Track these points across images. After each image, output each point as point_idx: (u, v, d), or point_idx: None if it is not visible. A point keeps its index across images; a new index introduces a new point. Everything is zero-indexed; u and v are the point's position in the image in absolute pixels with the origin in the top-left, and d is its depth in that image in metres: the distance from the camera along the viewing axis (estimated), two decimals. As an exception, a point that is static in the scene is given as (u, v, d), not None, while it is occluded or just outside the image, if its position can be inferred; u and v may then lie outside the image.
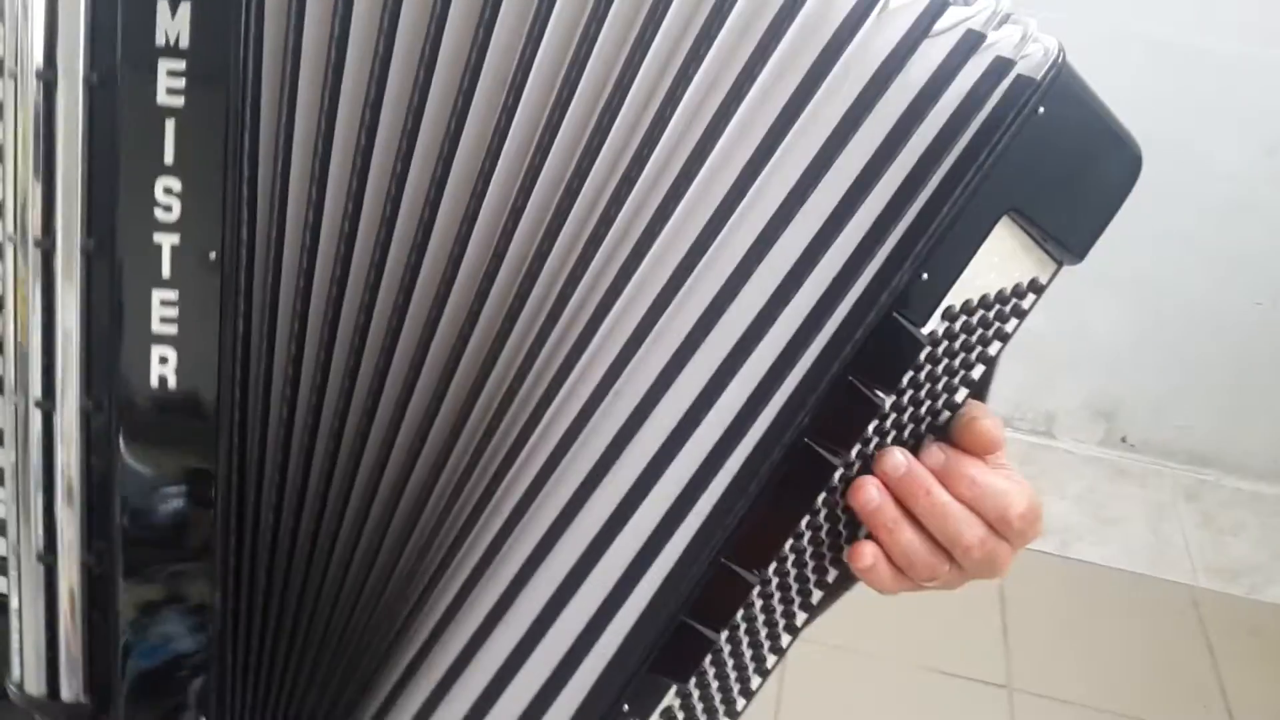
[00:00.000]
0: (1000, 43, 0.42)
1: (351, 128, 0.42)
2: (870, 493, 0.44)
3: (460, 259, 0.44)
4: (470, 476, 0.46)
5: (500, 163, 0.43)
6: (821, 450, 0.45)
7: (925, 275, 0.43)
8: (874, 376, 0.44)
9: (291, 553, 0.47)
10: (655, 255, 0.43)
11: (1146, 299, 2.01)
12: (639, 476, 0.45)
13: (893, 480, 0.45)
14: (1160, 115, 1.85)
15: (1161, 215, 1.90)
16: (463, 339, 0.45)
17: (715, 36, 0.41)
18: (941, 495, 0.44)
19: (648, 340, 0.44)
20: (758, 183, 0.42)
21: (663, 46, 0.42)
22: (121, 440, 0.41)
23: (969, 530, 0.44)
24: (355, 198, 0.43)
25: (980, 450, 0.46)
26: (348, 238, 0.43)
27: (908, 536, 0.45)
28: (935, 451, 0.46)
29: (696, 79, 0.42)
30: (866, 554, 0.45)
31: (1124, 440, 2.14)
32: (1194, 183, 1.88)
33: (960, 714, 1.56)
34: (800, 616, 0.49)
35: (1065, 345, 2.05)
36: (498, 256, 0.44)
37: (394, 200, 0.43)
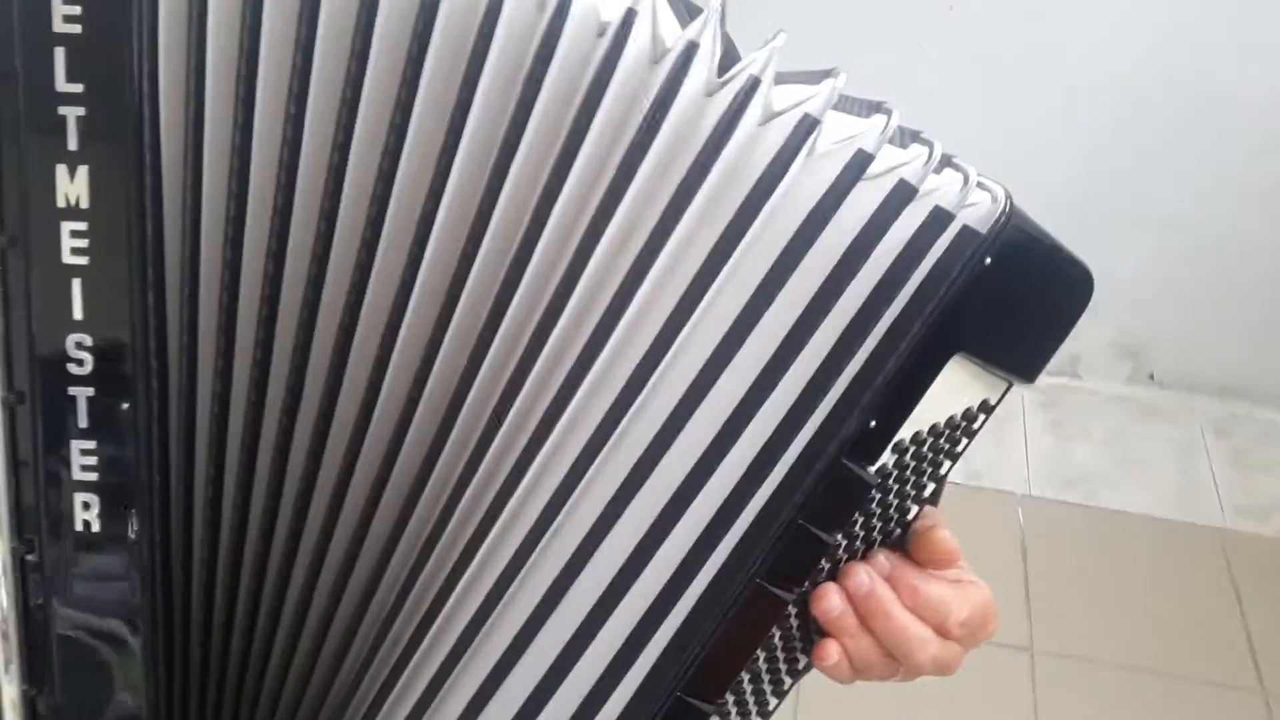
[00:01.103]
0: (939, 191, 0.43)
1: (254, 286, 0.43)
2: (833, 600, 0.47)
3: (374, 403, 0.45)
4: (399, 613, 0.48)
5: (411, 305, 0.43)
6: (775, 589, 0.46)
7: (873, 423, 0.44)
8: (824, 519, 0.45)
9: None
10: (575, 411, 0.43)
11: (1171, 233, 1.98)
12: (578, 629, 0.46)
13: (856, 597, 0.47)
14: (1183, 49, 1.80)
15: (1186, 149, 1.87)
16: (380, 481, 0.46)
17: (631, 181, 0.41)
18: (901, 618, 0.47)
19: (575, 492, 0.44)
20: (682, 336, 0.42)
21: (574, 192, 0.42)
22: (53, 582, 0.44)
23: (921, 650, 0.47)
24: (261, 363, 0.44)
25: (938, 561, 0.48)
26: (257, 392, 0.45)
27: (866, 645, 0.47)
28: (881, 560, 0.48)
29: (611, 229, 0.42)
30: (832, 653, 0.47)
31: (1151, 378, 2.13)
32: (1218, 116, 1.84)
33: (979, 682, 1.58)
34: (772, 703, 0.52)
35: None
36: (412, 401, 0.45)
37: (303, 349, 0.44)
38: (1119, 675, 1.59)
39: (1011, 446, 2.01)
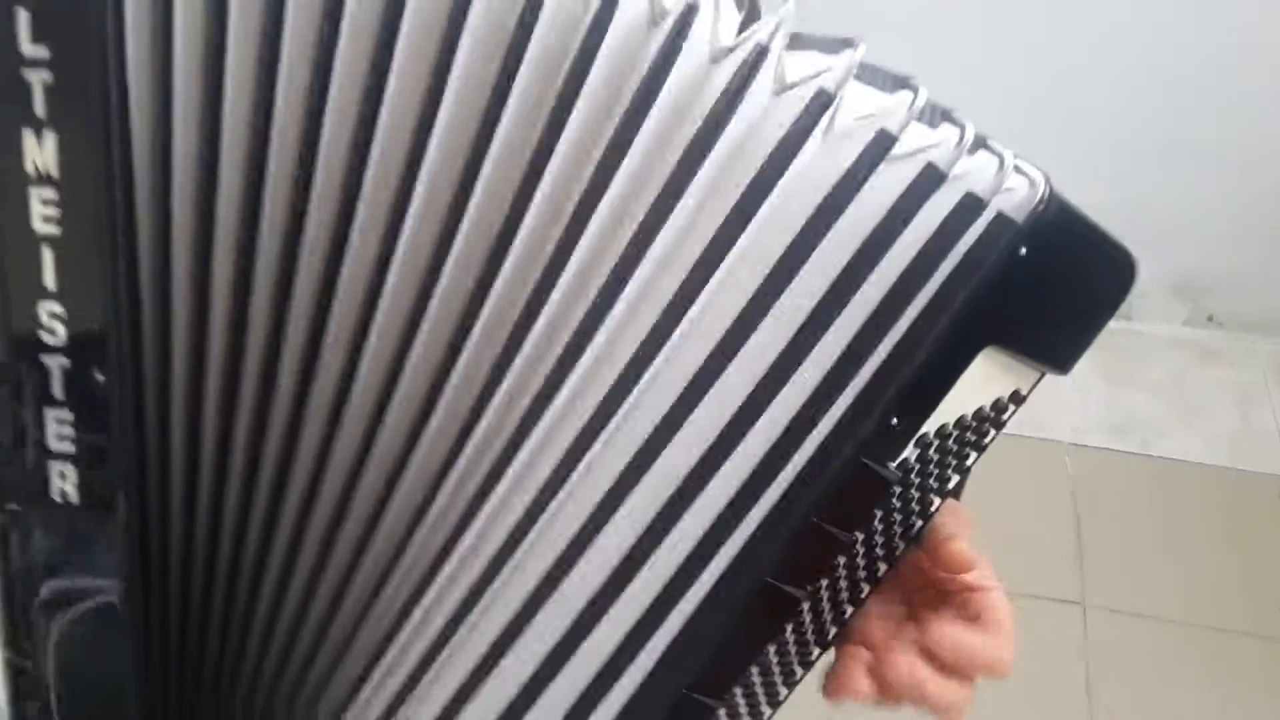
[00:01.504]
0: (972, 175, 0.41)
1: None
2: (860, 685, 0.47)
3: (354, 374, 0.43)
4: (385, 587, 0.46)
5: (392, 279, 0.41)
6: (787, 588, 0.45)
7: (896, 420, 0.43)
8: (841, 517, 0.44)
9: None
10: (570, 395, 0.42)
11: (1230, 166, 1.90)
12: (577, 618, 0.45)
13: (891, 683, 0.47)
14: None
15: (1241, 78, 1.77)
16: (362, 453, 0.45)
17: (624, 157, 0.39)
18: (933, 693, 0.47)
19: (574, 477, 0.43)
20: (684, 325, 0.40)
21: (563, 168, 0.39)
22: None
23: (943, 703, 0.47)
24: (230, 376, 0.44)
25: (952, 570, 0.47)
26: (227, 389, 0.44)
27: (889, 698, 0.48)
28: (933, 625, 0.48)
29: (603, 207, 0.39)
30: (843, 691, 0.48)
31: (1211, 319, 2.06)
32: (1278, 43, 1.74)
33: (1027, 635, 1.54)
34: (782, 693, 0.51)
35: (1143, 220, 1.94)
36: (393, 376, 0.43)
37: (279, 314, 0.43)
38: (1173, 630, 1.55)
39: (1061, 392, 1.95)
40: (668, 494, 0.43)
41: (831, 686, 0.48)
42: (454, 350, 0.42)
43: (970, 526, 0.49)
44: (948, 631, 0.47)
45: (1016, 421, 1.86)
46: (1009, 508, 1.73)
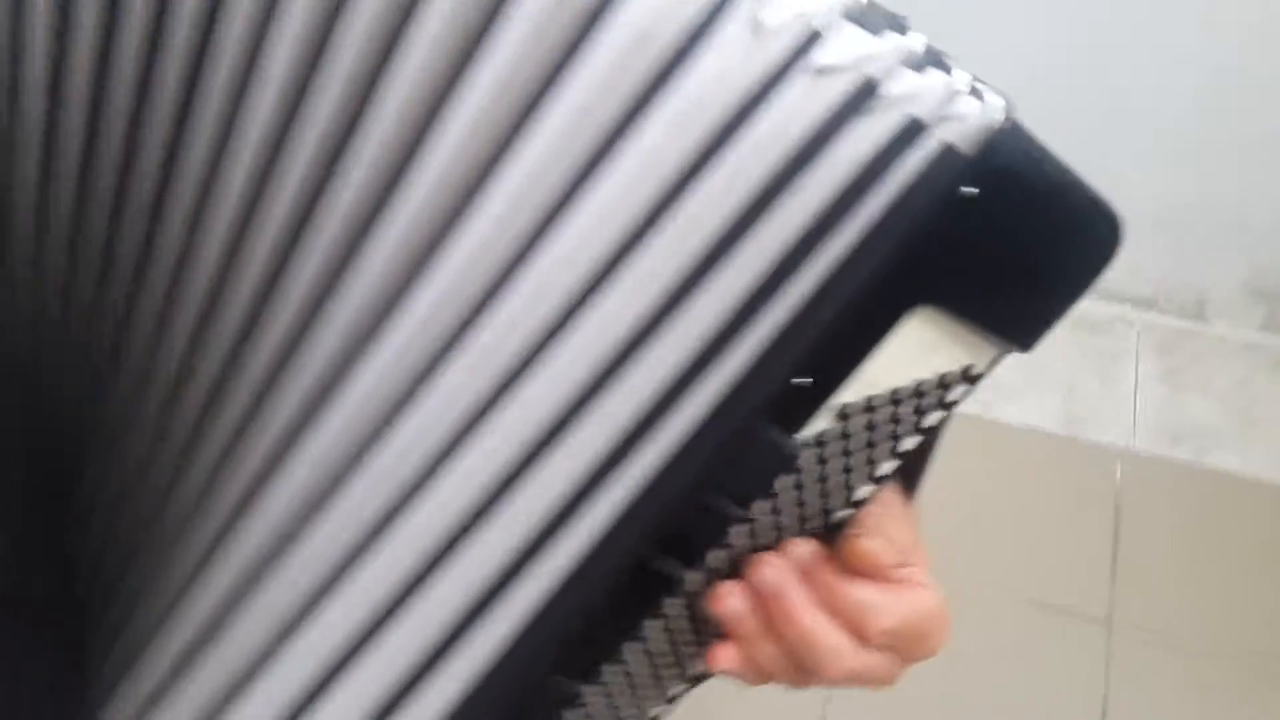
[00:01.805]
0: (916, 96, 0.35)
1: None
2: (733, 602, 0.42)
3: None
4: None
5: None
6: (663, 567, 0.41)
7: (804, 380, 0.38)
8: (731, 488, 0.40)
9: None
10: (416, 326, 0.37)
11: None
12: (410, 583, 0.40)
13: (760, 596, 0.42)
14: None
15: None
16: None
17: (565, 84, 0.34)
18: (810, 624, 0.41)
19: (406, 409, 0.38)
20: (546, 249, 0.36)
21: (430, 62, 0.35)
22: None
23: (833, 662, 0.42)
24: None
25: (859, 570, 0.42)
26: None
27: (769, 651, 0.42)
28: (799, 549, 0.42)
29: (481, 98, 0.35)
30: (725, 658, 0.42)
31: (1290, 325, 1.92)
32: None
33: (1047, 652, 1.47)
34: (656, 710, 0.47)
35: (1221, 213, 1.84)
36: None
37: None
38: (1204, 659, 1.46)
39: (1118, 393, 1.85)
40: (525, 439, 0.38)
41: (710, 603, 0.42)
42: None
43: (907, 528, 0.44)
44: (841, 579, 0.42)
45: (1067, 419, 1.78)
46: (1046, 511, 1.65)
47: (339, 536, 0.39)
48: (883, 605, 0.41)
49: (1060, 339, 2.22)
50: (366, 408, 0.38)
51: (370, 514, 0.39)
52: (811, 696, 0.44)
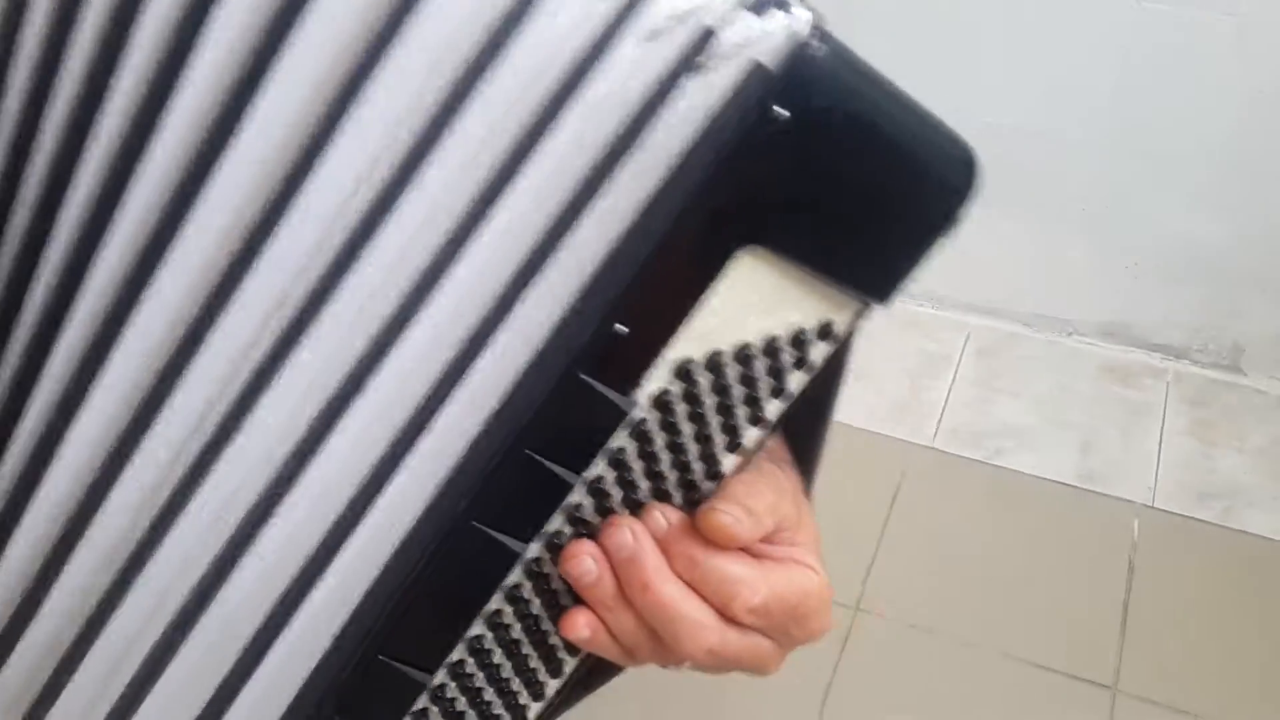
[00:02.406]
0: (710, 6, 0.33)
1: None
2: (586, 565, 0.40)
3: None
4: None
5: None
6: (497, 535, 0.39)
7: (621, 329, 0.36)
8: (561, 450, 0.38)
9: None
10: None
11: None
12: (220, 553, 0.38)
13: (615, 560, 0.40)
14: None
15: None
16: None
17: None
18: (667, 593, 0.40)
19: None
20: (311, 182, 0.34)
21: None
22: None
23: (693, 636, 0.40)
24: None
25: (717, 542, 0.40)
26: None
27: (627, 623, 0.40)
28: (657, 517, 0.40)
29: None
30: (580, 624, 0.41)
31: (1334, 383, 1.83)
32: None
33: (1042, 715, 1.38)
34: (533, 709, 0.44)
35: (1260, 259, 1.76)
36: None
37: None
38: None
39: (1142, 445, 1.76)
40: (318, 401, 0.36)
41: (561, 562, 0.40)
42: None
43: (789, 504, 0.41)
44: (705, 550, 0.40)
45: (1085, 472, 1.70)
46: (1054, 566, 1.57)
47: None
48: (750, 580, 0.39)
49: (1082, 385, 2.13)
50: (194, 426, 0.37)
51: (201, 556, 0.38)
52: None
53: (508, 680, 0.43)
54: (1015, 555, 1.59)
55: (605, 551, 0.39)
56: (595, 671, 0.44)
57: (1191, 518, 1.65)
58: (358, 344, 0.35)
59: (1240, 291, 1.82)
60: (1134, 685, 1.43)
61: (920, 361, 1.93)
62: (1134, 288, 1.88)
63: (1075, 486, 1.70)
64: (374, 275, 0.35)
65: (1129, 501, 1.68)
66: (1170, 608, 1.53)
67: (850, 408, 1.89)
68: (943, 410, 1.83)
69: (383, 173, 0.34)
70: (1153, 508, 1.67)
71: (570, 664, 0.43)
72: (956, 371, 1.91)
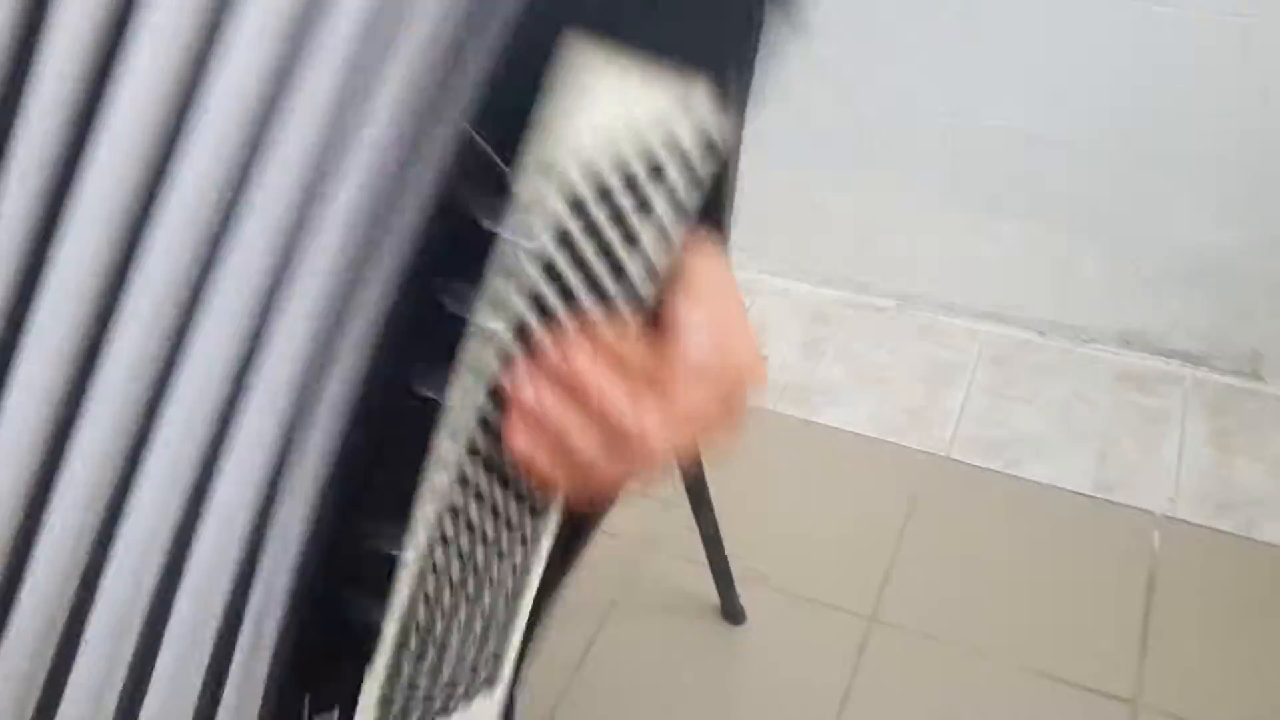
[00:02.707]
0: None
1: None
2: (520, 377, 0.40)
3: None
4: None
5: None
6: (415, 386, 0.38)
7: (477, 134, 0.35)
8: (453, 279, 0.36)
9: None
10: None
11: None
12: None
13: (547, 369, 0.41)
14: None
15: None
16: None
17: None
18: (596, 376, 0.40)
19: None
20: None
21: None
22: None
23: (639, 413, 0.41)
24: None
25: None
26: None
27: (573, 421, 0.40)
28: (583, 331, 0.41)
29: None
30: (516, 434, 0.40)
31: (1358, 390, 1.80)
32: None
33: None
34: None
35: (1277, 263, 1.71)
36: None
37: None
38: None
39: (1160, 455, 1.73)
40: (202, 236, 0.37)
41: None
42: None
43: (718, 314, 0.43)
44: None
45: (1103, 483, 1.66)
46: (1072, 578, 1.54)
47: None
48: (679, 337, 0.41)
49: (1099, 393, 2.08)
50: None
51: None
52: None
53: (494, 540, 0.43)
54: (1033, 566, 1.57)
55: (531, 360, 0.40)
56: (578, 530, 0.45)
57: (1212, 528, 1.62)
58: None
59: (1258, 296, 1.79)
60: (1156, 698, 1.40)
61: (933, 370, 1.91)
62: (1148, 293, 1.86)
63: (1093, 496, 1.67)
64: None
65: (1148, 512, 1.65)
66: (1192, 620, 1.50)
67: (863, 417, 1.85)
68: (958, 419, 1.81)
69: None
70: (1173, 518, 1.64)
71: (549, 504, 0.43)
72: (971, 380, 1.89)
